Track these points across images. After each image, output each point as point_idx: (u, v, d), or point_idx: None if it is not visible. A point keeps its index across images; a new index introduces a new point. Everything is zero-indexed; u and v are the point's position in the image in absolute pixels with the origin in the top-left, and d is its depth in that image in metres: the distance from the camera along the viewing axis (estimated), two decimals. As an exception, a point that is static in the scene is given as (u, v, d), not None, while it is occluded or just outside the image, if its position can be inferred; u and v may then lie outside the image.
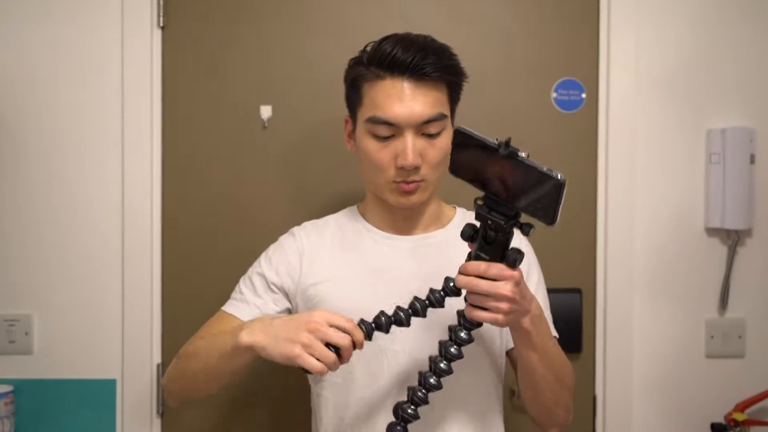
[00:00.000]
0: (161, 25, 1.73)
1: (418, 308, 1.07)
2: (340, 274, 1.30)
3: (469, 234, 1.04)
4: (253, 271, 1.37)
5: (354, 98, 1.27)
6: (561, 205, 0.94)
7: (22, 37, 1.71)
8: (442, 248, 1.30)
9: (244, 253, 1.73)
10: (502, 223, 0.98)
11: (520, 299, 1.05)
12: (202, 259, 1.75)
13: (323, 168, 1.75)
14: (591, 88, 1.76)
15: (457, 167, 1.01)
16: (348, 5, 1.74)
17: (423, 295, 1.09)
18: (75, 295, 1.72)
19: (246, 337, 1.07)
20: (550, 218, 0.95)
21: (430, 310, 1.09)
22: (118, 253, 1.72)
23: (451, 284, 1.07)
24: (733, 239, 1.75)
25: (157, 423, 1.75)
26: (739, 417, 1.69)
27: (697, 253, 1.76)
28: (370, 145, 1.23)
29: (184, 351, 1.27)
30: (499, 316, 1.03)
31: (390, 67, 1.20)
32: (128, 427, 1.73)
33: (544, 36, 1.76)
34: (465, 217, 1.38)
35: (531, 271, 1.33)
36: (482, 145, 0.96)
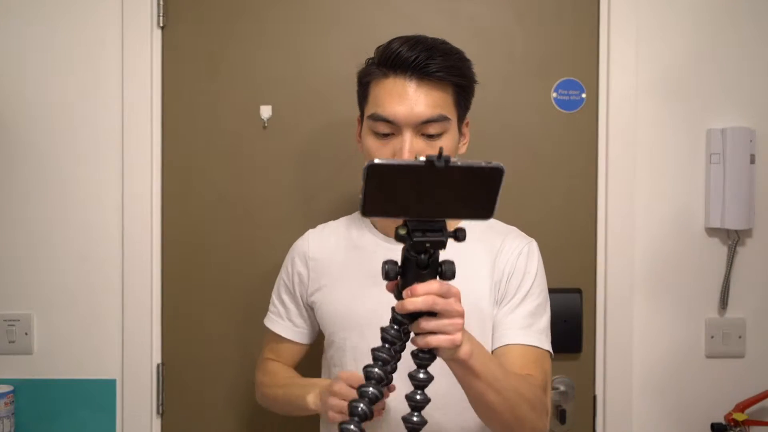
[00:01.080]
0: (161, 25, 1.73)
1: (385, 357, 0.95)
2: (340, 279, 1.31)
3: (395, 272, 0.94)
4: (280, 278, 1.42)
5: (362, 96, 1.28)
6: (498, 195, 0.90)
7: (21, 38, 1.71)
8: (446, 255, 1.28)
9: (244, 253, 1.74)
10: (443, 239, 0.91)
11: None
12: (201, 259, 1.75)
13: (323, 168, 1.75)
14: (591, 88, 1.76)
15: (375, 205, 0.89)
16: (348, 5, 1.74)
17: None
18: (75, 295, 1.72)
19: (312, 403, 1.25)
20: (488, 212, 0.91)
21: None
22: (117, 253, 1.72)
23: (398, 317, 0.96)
24: (733, 239, 1.75)
25: (157, 423, 1.75)
26: (739, 417, 1.69)
27: (697, 253, 1.76)
28: (371, 142, 1.23)
29: (266, 395, 1.42)
30: (457, 336, 0.96)
31: (394, 65, 1.20)
32: (128, 427, 1.73)
33: (544, 36, 1.76)
34: (475, 223, 1.36)
35: (525, 277, 1.29)
36: (409, 169, 0.87)
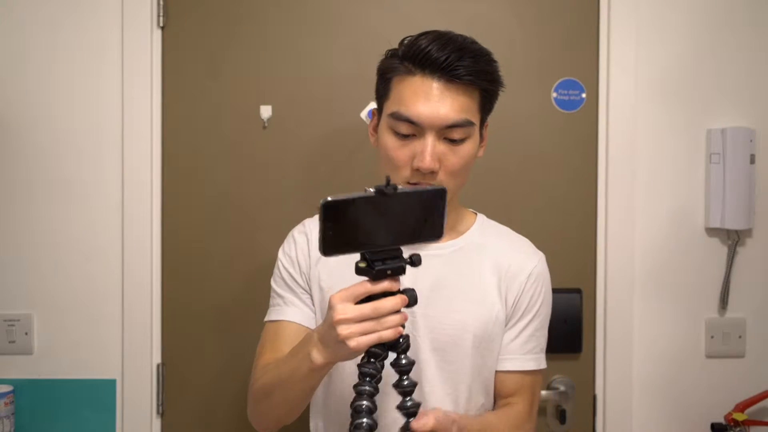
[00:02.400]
0: (161, 25, 1.73)
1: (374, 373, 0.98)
2: (345, 279, 1.28)
3: (362, 301, 0.98)
4: (278, 270, 1.33)
5: (382, 90, 1.23)
6: (445, 215, 0.96)
7: (22, 38, 1.71)
8: (450, 259, 1.27)
9: (244, 253, 1.75)
10: (403, 265, 0.95)
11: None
12: (201, 259, 1.75)
13: (323, 168, 1.75)
14: (591, 88, 1.76)
15: (335, 244, 0.91)
16: (348, 5, 1.74)
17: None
18: (75, 295, 1.72)
19: (318, 357, 1.02)
20: (438, 233, 0.96)
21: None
22: (118, 253, 1.72)
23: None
24: (733, 239, 1.75)
25: (157, 423, 1.75)
26: (739, 417, 1.69)
27: (697, 253, 1.76)
28: (390, 141, 1.19)
29: (260, 387, 1.20)
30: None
31: (422, 63, 1.15)
32: (128, 427, 1.73)
33: (544, 36, 1.76)
34: (484, 225, 1.35)
35: (533, 300, 1.29)
36: (360, 201, 0.90)
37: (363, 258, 0.94)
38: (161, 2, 1.72)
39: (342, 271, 1.22)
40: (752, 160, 1.72)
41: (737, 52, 1.76)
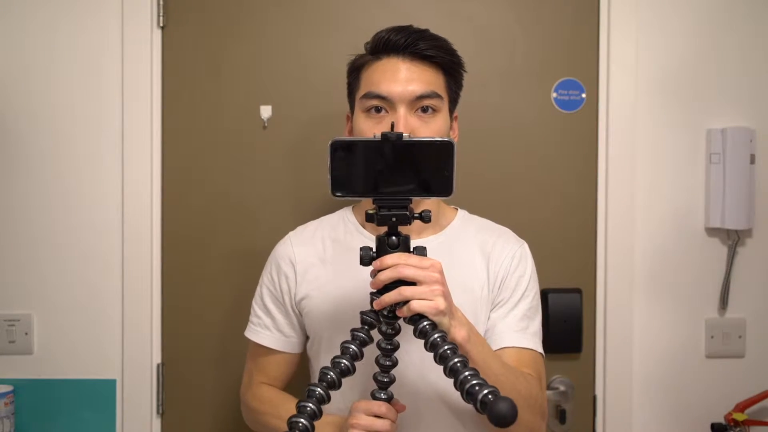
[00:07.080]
0: (161, 25, 1.73)
1: (365, 338, 1.01)
2: (331, 280, 1.29)
3: (370, 257, 1.02)
4: (261, 287, 1.38)
5: (354, 85, 1.29)
6: (455, 171, 0.97)
7: (21, 38, 1.71)
8: (433, 254, 1.25)
9: (244, 253, 1.75)
10: (408, 213, 0.98)
11: (448, 288, 1.04)
12: (201, 259, 1.75)
13: (323, 168, 1.73)
14: (591, 88, 1.76)
15: (342, 182, 0.99)
16: (348, 5, 1.74)
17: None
18: (75, 295, 1.72)
19: None
20: (447, 189, 0.97)
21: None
22: (118, 252, 1.72)
23: (373, 295, 1.02)
24: (733, 239, 1.76)
25: (157, 423, 1.75)
26: (739, 417, 1.69)
27: (697, 253, 1.76)
28: (365, 124, 1.23)
29: (265, 421, 1.31)
30: (439, 300, 1.00)
31: (386, 48, 1.24)
32: (128, 427, 1.73)
33: (544, 36, 1.76)
34: (466, 218, 1.36)
35: (520, 281, 1.29)
36: (366, 145, 0.96)
37: (376, 203, 0.99)
38: (161, 2, 1.72)
39: (327, 286, 1.29)
40: (752, 160, 1.72)
41: (737, 52, 1.76)
